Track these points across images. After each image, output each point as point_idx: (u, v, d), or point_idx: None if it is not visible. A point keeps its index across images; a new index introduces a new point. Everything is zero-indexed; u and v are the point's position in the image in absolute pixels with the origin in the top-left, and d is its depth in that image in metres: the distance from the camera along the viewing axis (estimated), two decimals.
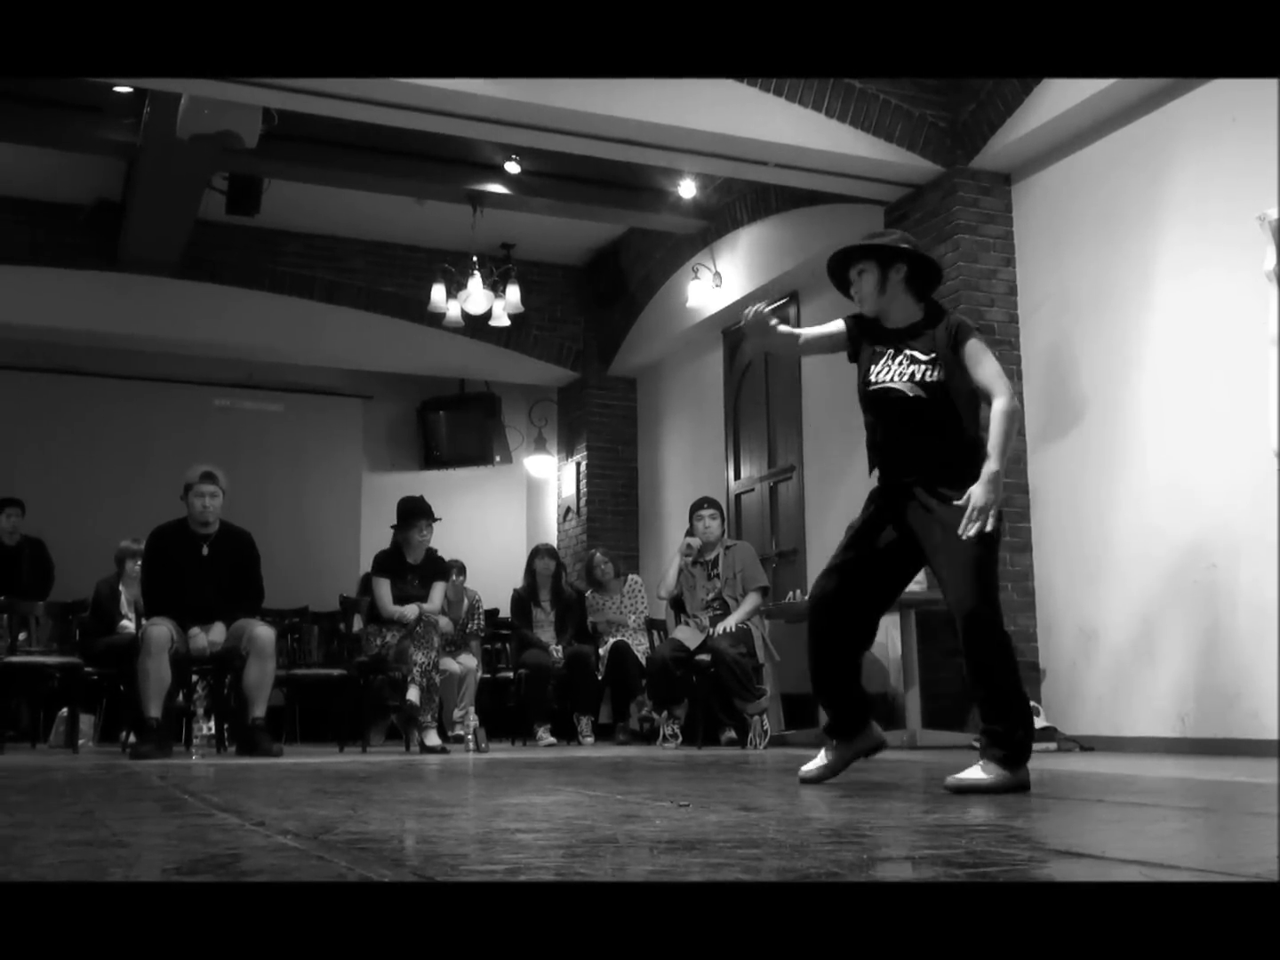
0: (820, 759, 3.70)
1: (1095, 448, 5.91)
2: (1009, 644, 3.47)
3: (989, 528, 3.29)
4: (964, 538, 3.28)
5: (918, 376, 3.49)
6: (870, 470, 3.67)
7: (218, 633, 6.09)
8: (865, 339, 3.66)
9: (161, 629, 5.92)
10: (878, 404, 3.57)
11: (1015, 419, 3.46)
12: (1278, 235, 4.65)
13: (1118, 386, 5.82)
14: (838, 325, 3.77)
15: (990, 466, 3.34)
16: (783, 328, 3.85)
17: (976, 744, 3.43)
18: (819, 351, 3.94)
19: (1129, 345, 5.76)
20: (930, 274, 3.68)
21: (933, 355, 3.50)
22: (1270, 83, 4.84)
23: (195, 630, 6.04)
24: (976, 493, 3.29)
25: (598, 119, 5.98)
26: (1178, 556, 5.42)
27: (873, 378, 3.57)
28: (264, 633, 6.09)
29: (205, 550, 6.21)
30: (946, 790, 3.25)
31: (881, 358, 3.58)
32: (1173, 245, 5.56)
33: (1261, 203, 4.69)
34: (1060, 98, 5.80)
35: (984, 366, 3.48)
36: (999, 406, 3.42)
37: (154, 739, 5.78)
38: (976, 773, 3.28)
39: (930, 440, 3.49)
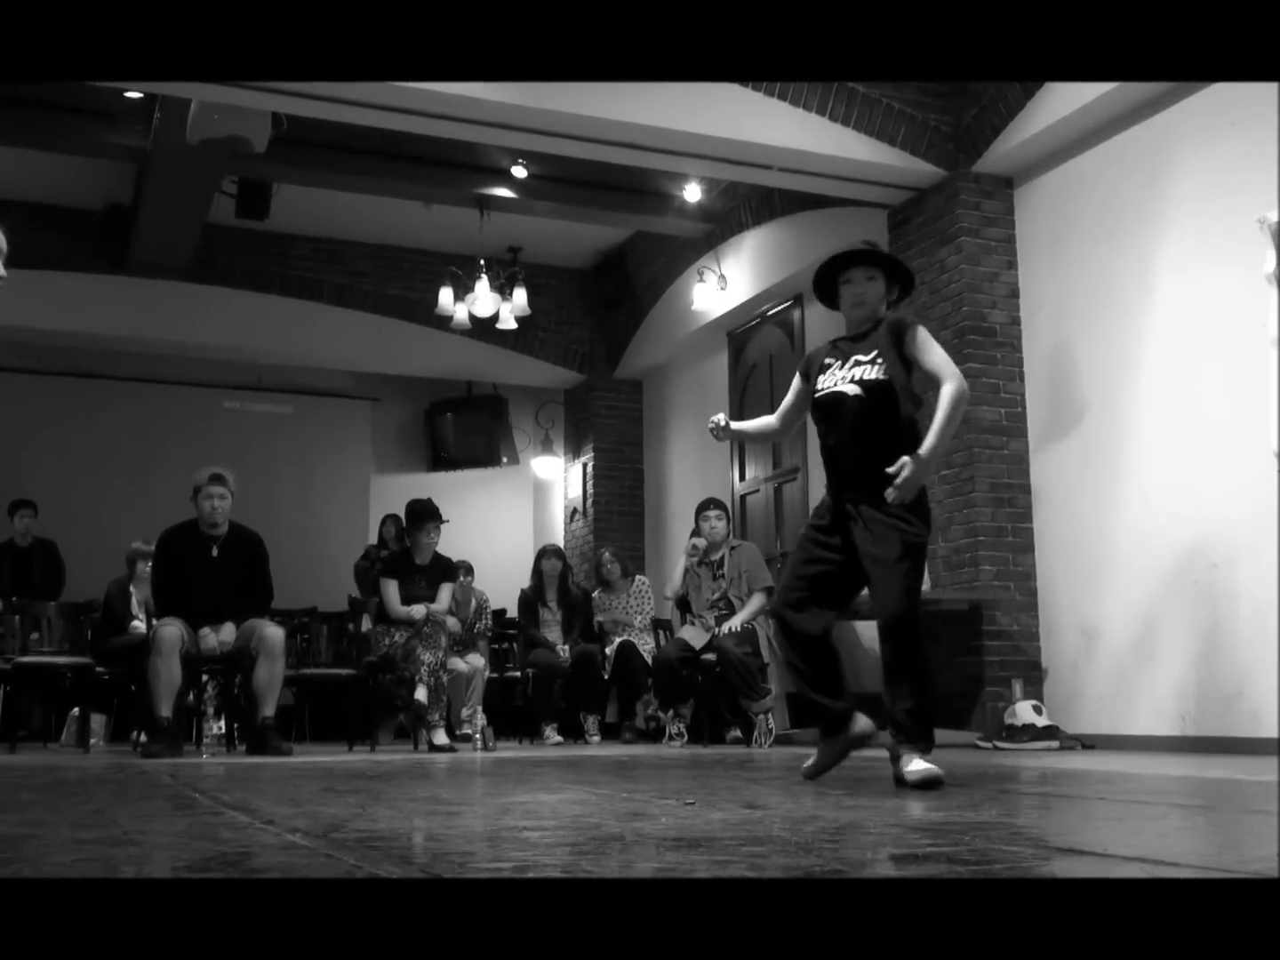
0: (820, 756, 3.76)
1: (1096, 449, 5.95)
2: (924, 647, 3.57)
3: (906, 499, 3.37)
4: (890, 503, 3.37)
5: (858, 376, 3.55)
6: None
7: (228, 633, 6.12)
8: (814, 366, 3.74)
9: (172, 629, 5.95)
10: (825, 410, 3.64)
11: (961, 402, 3.45)
12: (1277, 238, 4.66)
13: (1119, 388, 5.85)
14: (795, 380, 3.88)
15: (927, 443, 3.40)
16: (749, 423, 4.07)
17: (894, 738, 3.50)
18: (800, 411, 3.94)
19: (1130, 347, 5.79)
20: (904, 294, 3.79)
21: (874, 354, 3.55)
22: (1269, 87, 4.85)
23: (205, 630, 6.07)
24: (907, 467, 3.35)
25: (603, 123, 6.01)
26: (1178, 557, 5.44)
27: (820, 386, 3.65)
28: (274, 633, 6.12)
29: (215, 551, 6.24)
30: (912, 787, 3.29)
31: (829, 368, 3.65)
32: (1173, 248, 5.59)
33: (1261, 206, 4.69)
34: (1061, 102, 5.83)
35: (931, 353, 3.52)
36: (946, 390, 3.45)
37: (164, 738, 5.81)
38: (920, 764, 3.34)
39: (875, 440, 3.50)
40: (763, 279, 8.14)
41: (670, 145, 6.30)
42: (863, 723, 3.73)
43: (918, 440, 3.44)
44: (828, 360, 3.68)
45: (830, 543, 3.61)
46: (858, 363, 3.57)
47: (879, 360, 3.54)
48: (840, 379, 3.58)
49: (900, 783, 3.35)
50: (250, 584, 6.29)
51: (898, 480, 3.34)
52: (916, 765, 3.33)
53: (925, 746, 3.40)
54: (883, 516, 3.44)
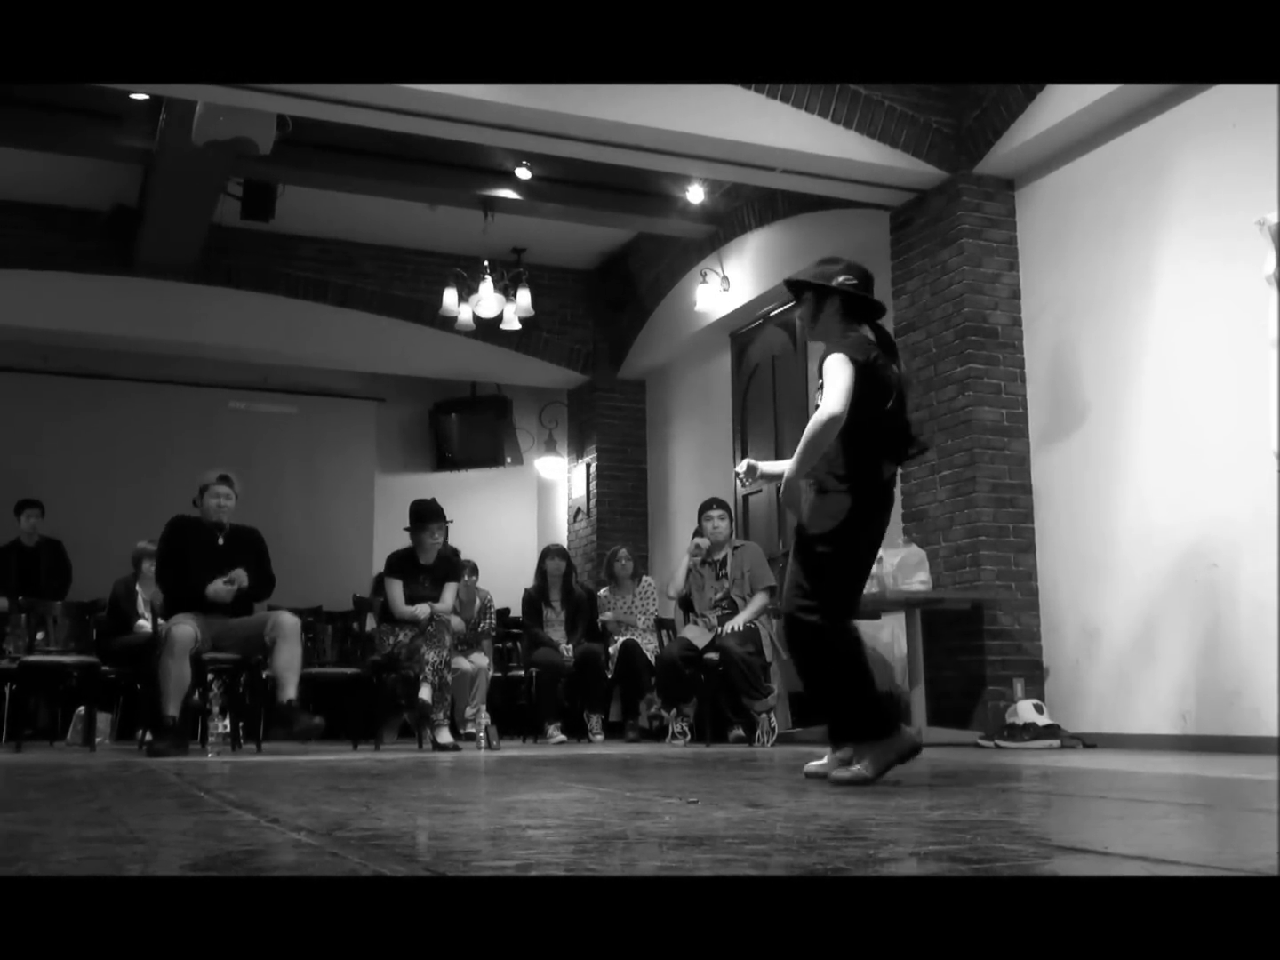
0: (825, 760, 3.80)
1: (1097, 449, 5.97)
2: (832, 648, 3.60)
3: (742, 478, 3.77)
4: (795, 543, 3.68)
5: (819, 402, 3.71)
6: None
7: (240, 576, 6.18)
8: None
9: (186, 629, 5.97)
10: None
11: (824, 430, 3.54)
12: (1277, 239, 4.68)
13: (1120, 388, 5.87)
14: None
15: (780, 465, 3.69)
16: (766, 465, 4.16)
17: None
18: None
19: (1131, 348, 5.81)
20: (870, 307, 3.85)
21: (822, 379, 3.72)
22: (1270, 88, 4.87)
23: (216, 584, 6.11)
24: (764, 466, 3.72)
25: (607, 125, 6.04)
26: (1179, 556, 5.46)
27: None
28: (289, 618, 6.19)
29: (220, 540, 6.32)
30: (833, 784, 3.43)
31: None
32: (1174, 249, 5.61)
33: (1261, 207, 4.69)
34: (1063, 104, 5.85)
35: (830, 382, 3.63)
36: (816, 414, 3.59)
37: (170, 737, 5.84)
38: (857, 769, 3.47)
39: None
40: (765, 280, 8.16)
41: (673, 147, 6.32)
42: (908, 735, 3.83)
43: (832, 462, 3.66)
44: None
45: None
46: (820, 386, 3.76)
47: (820, 388, 3.74)
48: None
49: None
50: (254, 574, 6.33)
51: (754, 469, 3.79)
52: (848, 770, 3.51)
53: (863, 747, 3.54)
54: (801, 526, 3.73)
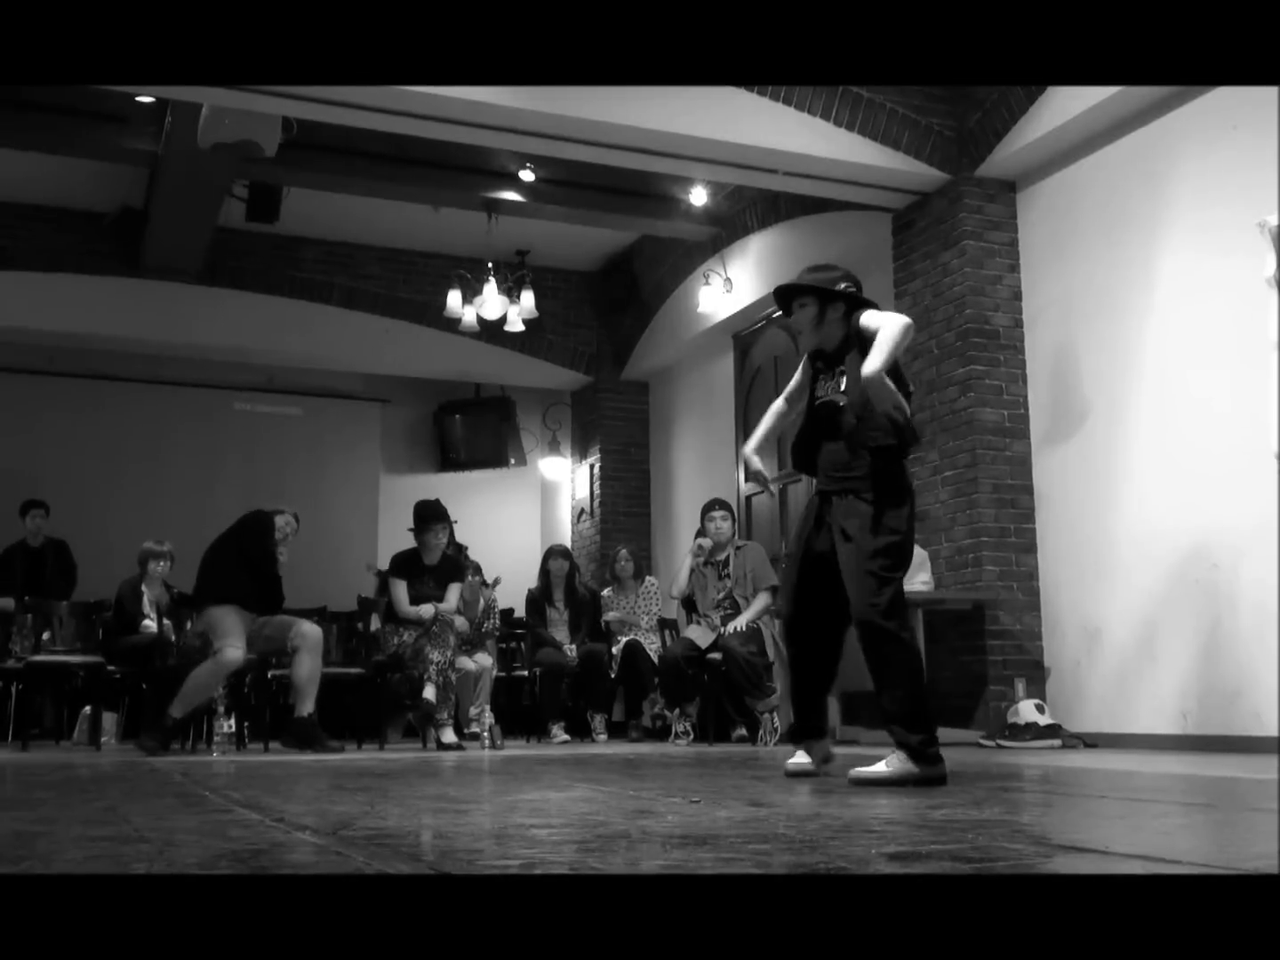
0: (802, 756, 3.86)
1: (1099, 450, 5.99)
2: (906, 652, 3.58)
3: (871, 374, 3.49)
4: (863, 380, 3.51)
5: (842, 387, 3.73)
6: (796, 468, 4.01)
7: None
8: (817, 364, 3.92)
9: (238, 654, 6.02)
10: (817, 417, 3.82)
11: (906, 332, 3.59)
12: (1277, 241, 4.70)
13: (1121, 390, 5.89)
14: (799, 370, 4.04)
15: (871, 363, 3.52)
16: (759, 432, 4.18)
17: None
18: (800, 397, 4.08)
19: (1131, 349, 5.83)
20: (854, 302, 3.89)
21: (850, 359, 3.72)
22: (1270, 91, 4.90)
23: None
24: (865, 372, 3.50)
25: (611, 128, 6.06)
26: (1180, 557, 5.48)
27: (818, 393, 3.84)
28: (313, 630, 6.24)
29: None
30: (851, 784, 3.44)
31: (822, 376, 3.85)
32: (1174, 251, 5.63)
33: (1262, 209, 4.72)
34: (1064, 106, 5.87)
35: (877, 317, 3.66)
36: (893, 320, 3.60)
37: (159, 736, 5.92)
38: (880, 767, 3.48)
39: (850, 446, 3.69)
40: (768, 282, 8.16)
41: (676, 149, 6.34)
42: (826, 746, 3.96)
43: (876, 452, 3.63)
44: (820, 365, 3.89)
45: (816, 540, 3.86)
46: (842, 374, 3.76)
47: (846, 372, 3.73)
48: (832, 388, 3.80)
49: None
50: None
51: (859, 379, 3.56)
52: (874, 767, 3.51)
53: (913, 756, 3.51)
54: (854, 516, 3.64)
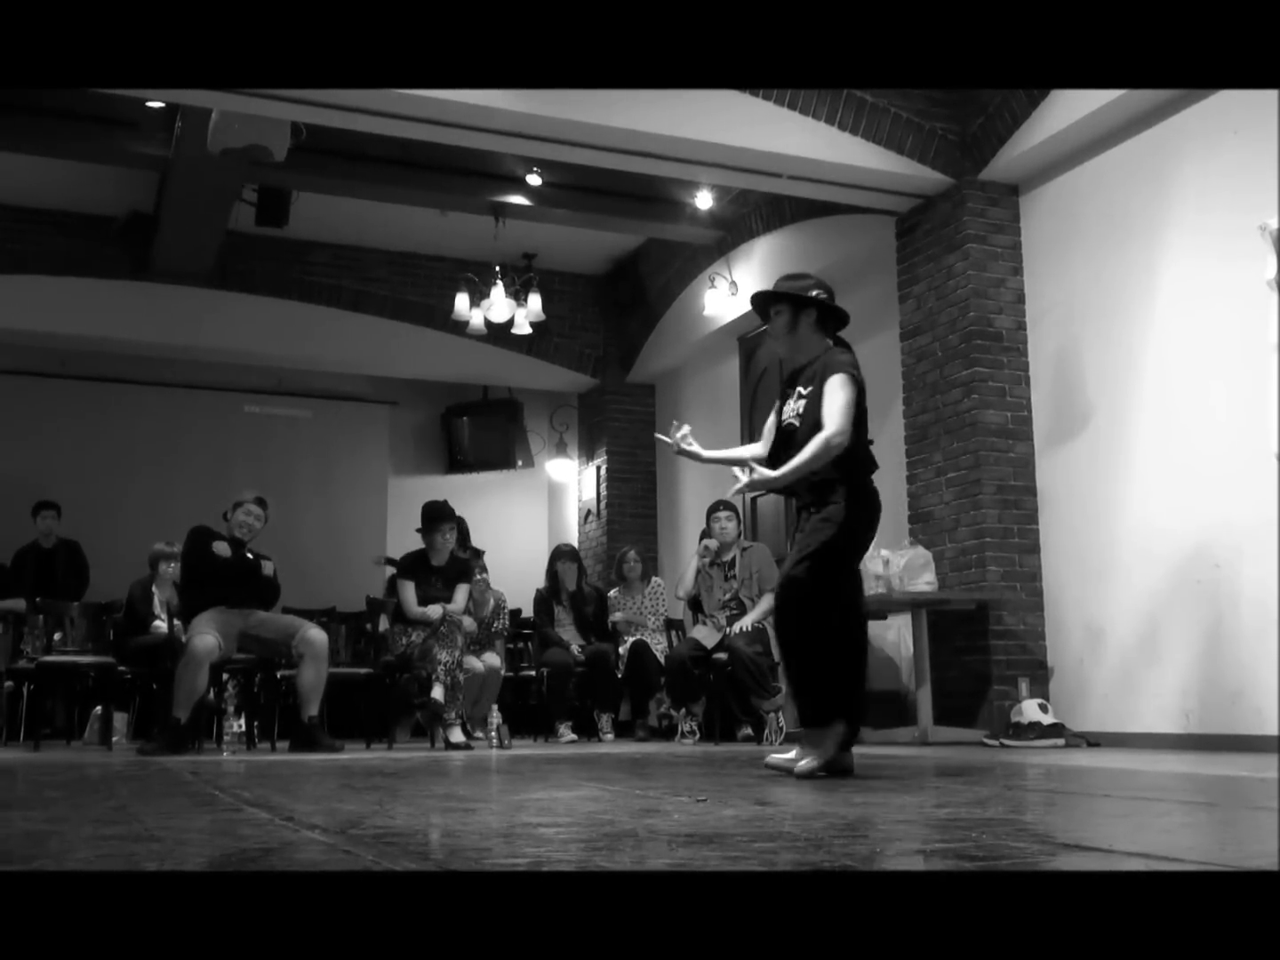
0: (791, 753, 3.90)
1: (1101, 451, 6.01)
2: (821, 623, 3.72)
3: (742, 489, 3.90)
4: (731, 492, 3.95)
5: (800, 410, 3.84)
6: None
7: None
8: (785, 388, 4.04)
9: (208, 639, 6.04)
10: (786, 438, 3.92)
11: (825, 452, 3.71)
12: (1278, 244, 4.72)
13: (1123, 391, 5.91)
14: (774, 412, 4.12)
15: (774, 471, 3.78)
16: (730, 451, 4.44)
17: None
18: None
19: (1134, 351, 5.85)
20: (839, 318, 3.99)
21: (810, 389, 3.83)
22: (1271, 95, 4.91)
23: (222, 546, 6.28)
24: (757, 473, 3.79)
25: (617, 133, 6.10)
26: (1182, 557, 5.50)
27: (784, 417, 3.94)
28: (318, 635, 6.27)
29: (245, 551, 6.47)
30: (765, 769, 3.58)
31: (788, 397, 3.95)
32: (1176, 254, 5.66)
33: (1263, 212, 4.72)
34: (1067, 110, 5.90)
35: (830, 401, 3.76)
36: (820, 435, 3.72)
37: (162, 739, 5.97)
38: (791, 754, 3.60)
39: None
40: (773, 284, 8.21)
41: (682, 153, 6.38)
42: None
43: (828, 469, 3.76)
44: (787, 389, 4.00)
45: None
46: (800, 395, 3.88)
47: (810, 395, 3.84)
48: (791, 409, 3.91)
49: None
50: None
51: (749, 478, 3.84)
52: (786, 755, 3.69)
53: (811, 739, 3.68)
54: (808, 521, 3.84)
